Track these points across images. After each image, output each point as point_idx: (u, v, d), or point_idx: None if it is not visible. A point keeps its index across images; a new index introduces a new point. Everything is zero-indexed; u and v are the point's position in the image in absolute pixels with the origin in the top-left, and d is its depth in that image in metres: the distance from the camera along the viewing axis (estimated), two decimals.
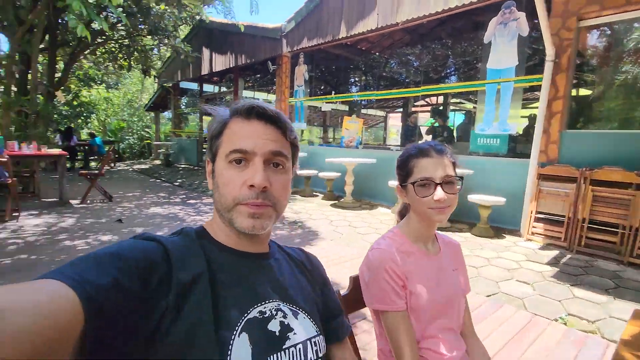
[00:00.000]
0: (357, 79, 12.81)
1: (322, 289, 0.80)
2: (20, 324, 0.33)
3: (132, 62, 10.32)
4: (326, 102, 9.11)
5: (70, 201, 5.97)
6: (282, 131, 0.66)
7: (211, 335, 0.52)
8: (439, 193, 0.91)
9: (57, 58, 9.17)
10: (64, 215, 5.12)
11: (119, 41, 9.47)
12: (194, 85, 13.86)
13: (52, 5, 6.01)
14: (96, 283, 0.42)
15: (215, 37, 9.99)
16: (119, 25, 8.47)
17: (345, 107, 13.54)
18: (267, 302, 0.63)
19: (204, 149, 12.25)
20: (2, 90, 6.52)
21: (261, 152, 0.62)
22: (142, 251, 0.53)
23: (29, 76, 7.05)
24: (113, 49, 9.98)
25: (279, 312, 0.63)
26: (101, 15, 6.77)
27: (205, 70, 10.52)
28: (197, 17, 8.89)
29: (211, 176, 0.67)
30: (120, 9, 7.78)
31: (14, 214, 4.88)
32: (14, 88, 6.95)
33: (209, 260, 0.60)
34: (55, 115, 10.51)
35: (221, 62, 9.78)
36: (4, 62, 6.22)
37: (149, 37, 9.06)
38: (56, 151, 5.88)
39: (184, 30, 10.94)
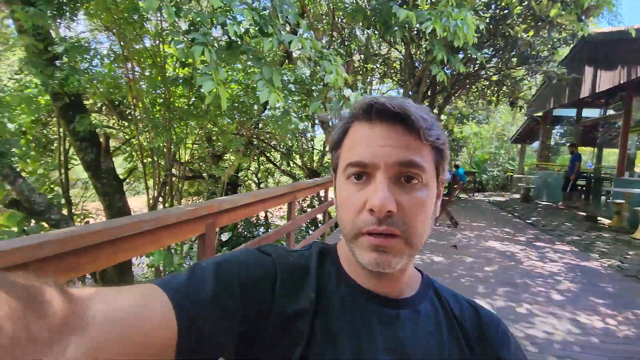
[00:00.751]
0: None
1: None
2: (115, 330, 0.32)
3: (499, 96, 10.55)
4: None
5: None
6: (415, 132, 0.47)
7: None
8: None
9: (439, 102, 11.09)
10: None
11: (489, 79, 9.99)
12: (570, 112, 11.98)
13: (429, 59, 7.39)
14: (195, 296, 0.41)
15: (598, 51, 8.13)
16: (489, 62, 8.93)
17: None
18: None
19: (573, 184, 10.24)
20: None
21: (384, 163, 0.46)
22: (255, 267, 0.48)
23: None
24: (483, 87, 10.67)
25: None
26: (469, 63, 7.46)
27: (585, 92, 8.77)
28: (579, 34, 7.63)
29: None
30: (485, 52, 8.23)
31: None
32: None
33: (321, 292, 0.50)
34: None
35: (607, 80, 7.78)
36: None
37: (519, 67, 8.88)
38: None
39: (563, 51, 9.77)
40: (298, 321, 0.46)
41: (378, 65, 11.26)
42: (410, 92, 8.85)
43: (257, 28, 3.22)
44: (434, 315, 0.52)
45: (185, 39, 3.13)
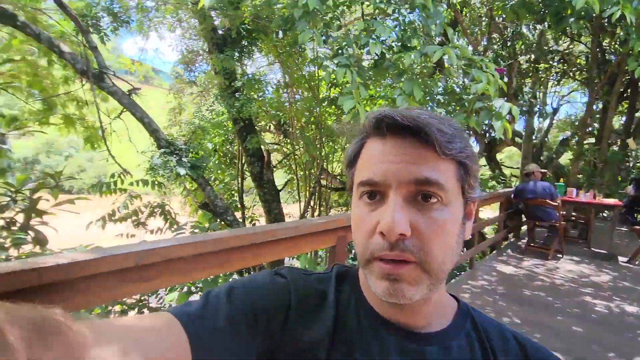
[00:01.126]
0: None
1: None
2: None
3: None
4: None
5: (619, 257, 5.37)
6: (432, 145, 0.42)
7: None
8: None
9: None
10: (602, 269, 4.75)
11: None
12: None
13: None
14: (208, 325, 0.41)
15: None
16: None
17: None
18: None
19: None
20: (577, 140, 7.17)
21: (397, 181, 0.41)
22: (268, 293, 0.48)
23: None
24: None
25: None
26: None
27: None
28: None
29: None
30: None
31: (557, 255, 5.25)
32: (591, 139, 7.37)
33: (339, 320, 0.47)
34: (637, 164, 9.75)
35: None
36: (580, 116, 6.81)
37: None
38: (611, 201, 5.54)
39: None
40: (314, 351, 0.44)
41: (555, 64, 9.49)
42: (600, 92, 7.11)
43: (399, 44, 3.23)
44: (468, 354, 0.44)
45: (332, 62, 3.42)
